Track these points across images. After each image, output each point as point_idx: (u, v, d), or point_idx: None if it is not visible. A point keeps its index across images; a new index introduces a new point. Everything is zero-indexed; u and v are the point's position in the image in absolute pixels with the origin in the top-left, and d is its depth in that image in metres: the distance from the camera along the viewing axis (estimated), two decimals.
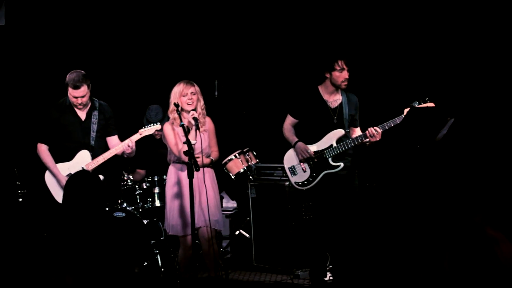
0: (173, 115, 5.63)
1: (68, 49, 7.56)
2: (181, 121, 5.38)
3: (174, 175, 5.70)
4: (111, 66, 7.77)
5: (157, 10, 7.83)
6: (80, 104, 5.95)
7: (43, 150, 6.05)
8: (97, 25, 7.75)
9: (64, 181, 5.83)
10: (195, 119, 5.49)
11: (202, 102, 5.69)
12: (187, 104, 5.58)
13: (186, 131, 5.33)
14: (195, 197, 5.36)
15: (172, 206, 5.66)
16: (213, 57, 7.84)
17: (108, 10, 7.74)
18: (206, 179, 5.54)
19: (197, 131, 5.46)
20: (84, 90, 5.90)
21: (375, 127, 5.52)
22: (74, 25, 7.67)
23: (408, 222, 5.98)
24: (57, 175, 5.98)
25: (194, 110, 5.59)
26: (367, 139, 5.56)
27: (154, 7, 7.81)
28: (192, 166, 5.16)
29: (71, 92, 5.90)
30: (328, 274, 6.12)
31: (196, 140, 5.44)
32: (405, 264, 5.59)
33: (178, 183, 5.66)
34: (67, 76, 5.92)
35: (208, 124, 5.76)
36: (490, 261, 3.16)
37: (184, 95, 5.59)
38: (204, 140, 5.64)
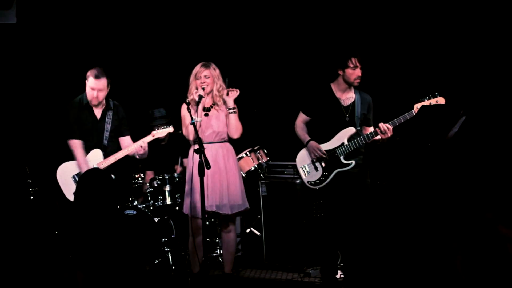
0: (191, 97, 5.70)
1: (79, 48, 7.57)
2: (191, 118, 5.40)
3: (191, 156, 5.74)
4: (122, 66, 7.78)
5: (168, 9, 7.83)
6: (95, 99, 5.97)
7: (75, 144, 6.04)
8: (109, 25, 7.76)
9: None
10: (199, 96, 5.54)
11: (219, 84, 5.73)
12: (201, 87, 5.65)
13: (197, 128, 5.36)
14: (206, 179, 5.45)
15: (188, 187, 5.74)
16: (223, 54, 7.83)
17: (120, 9, 7.76)
18: (217, 159, 5.57)
19: (197, 109, 5.52)
20: (103, 83, 5.96)
21: (385, 124, 5.50)
22: (86, 24, 7.68)
23: (419, 220, 5.95)
24: (79, 166, 5.99)
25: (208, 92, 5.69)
26: (378, 136, 5.55)
27: (166, 7, 7.82)
28: (203, 163, 5.18)
29: (91, 83, 5.94)
30: (339, 272, 6.10)
31: (200, 117, 5.49)
32: (417, 263, 5.57)
33: (194, 164, 5.69)
34: (89, 71, 5.97)
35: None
36: (502, 258, 3.14)
37: (198, 78, 5.67)
38: (218, 120, 5.71)
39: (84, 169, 5.90)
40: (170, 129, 6.10)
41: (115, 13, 7.76)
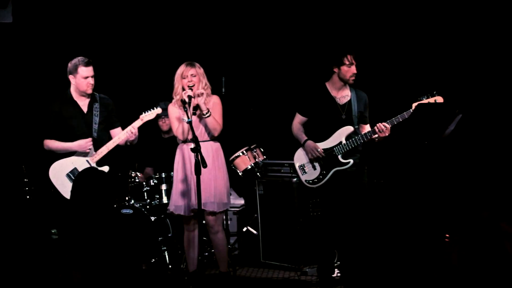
0: (176, 97, 5.68)
1: (73, 46, 7.55)
2: (188, 117, 5.37)
3: (178, 155, 5.77)
4: (117, 62, 7.78)
5: (164, 6, 7.83)
6: (91, 86, 5.91)
7: (50, 141, 6.02)
8: (102, 21, 7.76)
9: (82, 145, 5.88)
10: (189, 97, 5.51)
11: (204, 82, 5.69)
12: (187, 86, 5.61)
13: (192, 126, 5.35)
14: (195, 177, 5.40)
15: (176, 186, 5.73)
16: (220, 53, 7.83)
17: (114, 5, 7.75)
18: (207, 157, 5.47)
19: (189, 109, 5.45)
20: (92, 69, 5.91)
21: (383, 123, 5.50)
22: (81, 22, 7.68)
23: (416, 218, 5.96)
24: (73, 147, 5.95)
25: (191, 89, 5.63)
26: (376, 135, 5.55)
27: (161, 3, 7.81)
28: (199, 162, 5.17)
29: (83, 72, 5.86)
30: (336, 270, 6.11)
31: (190, 118, 5.41)
32: (414, 260, 5.57)
33: (182, 163, 5.72)
34: (71, 63, 5.91)
35: (212, 103, 5.74)
36: (499, 256, 3.14)
37: (185, 77, 5.64)
38: (205, 118, 5.67)
39: (75, 147, 5.91)
40: (158, 110, 6.02)
41: (111, 11, 7.75)
